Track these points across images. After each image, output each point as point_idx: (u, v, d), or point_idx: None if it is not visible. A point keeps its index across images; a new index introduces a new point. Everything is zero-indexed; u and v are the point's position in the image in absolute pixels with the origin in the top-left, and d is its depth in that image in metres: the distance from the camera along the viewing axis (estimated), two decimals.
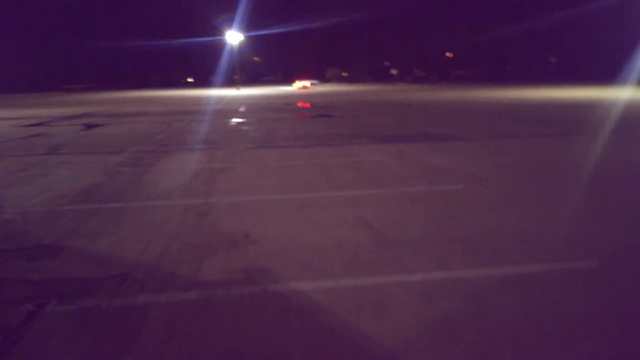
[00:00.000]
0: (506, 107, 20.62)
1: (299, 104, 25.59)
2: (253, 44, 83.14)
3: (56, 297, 3.32)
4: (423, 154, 8.94)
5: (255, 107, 23.65)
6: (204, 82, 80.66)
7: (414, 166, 7.76)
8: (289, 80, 65.23)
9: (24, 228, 4.93)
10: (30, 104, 31.41)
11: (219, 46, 69.64)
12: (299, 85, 59.75)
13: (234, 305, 3.17)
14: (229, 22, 60.34)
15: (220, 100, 31.87)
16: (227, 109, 22.94)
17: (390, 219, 4.97)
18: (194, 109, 23.26)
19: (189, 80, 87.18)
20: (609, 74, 47.15)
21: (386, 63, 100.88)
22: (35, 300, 3.26)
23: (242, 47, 65.64)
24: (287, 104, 25.93)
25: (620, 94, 26.73)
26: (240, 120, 16.82)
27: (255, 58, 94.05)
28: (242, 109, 22.63)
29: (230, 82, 69.05)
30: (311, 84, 62.51)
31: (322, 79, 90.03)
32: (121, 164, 8.50)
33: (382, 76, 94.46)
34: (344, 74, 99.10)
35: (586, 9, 62.91)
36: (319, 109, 21.70)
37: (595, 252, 3.97)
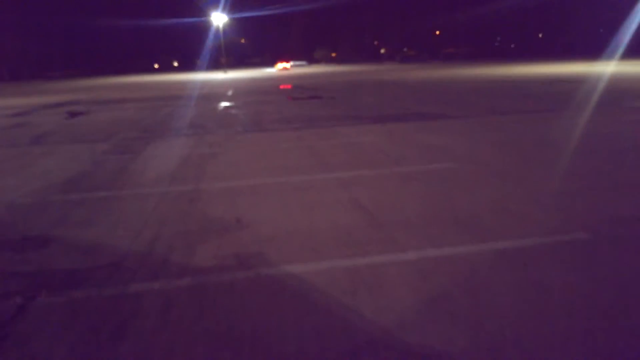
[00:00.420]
0: (495, 84, 20.59)
1: (287, 86, 25.32)
2: (239, 26, 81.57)
3: (46, 288, 3.26)
4: (414, 133, 8.90)
5: (243, 90, 23.35)
6: (189, 65, 79.24)
7: (406, 146, 7.73)
8: (276, 62, 64.59)
9: (11, 220, 4.84)
10: (11, 93, 30.76)
11: (204, 28, 68.27)
12: (280, 67, 59.41)
13: (228, 291, 3.14)
14: (214, 3, 59.03)
15: (207, 84, 31.42)
16: (215, 92, 22.63)
17: (383, 199, 4.95)
18: (180, 94, 22.91)
19: (175, 64, 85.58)
20: (595, 49, 47.18)
21: (375, 42, 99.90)
22: (25, 293, 3.20)
23: (228, 29, 64.47)
24: (275, 87, 25.64)
25: (606, 69, 26.81)
26: (228, 104, 16.61)
27: (241, 40, 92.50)
28: (229, 92, 22.34)
29: (216, 65, 68.00)
30: (291, 65, 62.25)
31: (311, 60, 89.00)
32: (108, 152, 8.36)
33: (371, 56, 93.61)
34: (333, 55, 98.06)
35: None
36: (308, 90, 21.48)
37: (586, 225, 4.00)
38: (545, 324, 2.65)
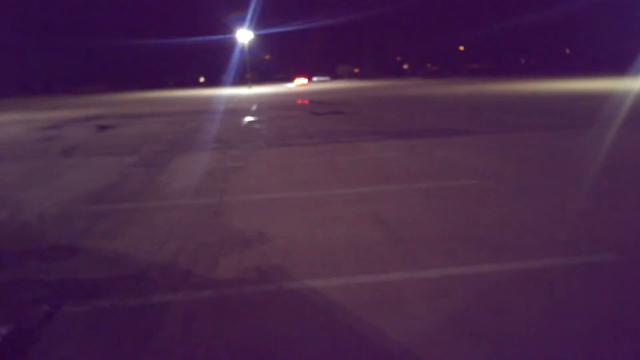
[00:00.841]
0: (520, 100, 20.34)
1: (310, 102, 25.57)
2: (264, 42, 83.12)
3: (72, 297, 3.34)
4: (436, 149, 8.84)
5: (266, 105, 23.69)
6: (215, 81, 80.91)
7: (427, 162, 7.68)
8: (295, 78, 65.79)
9: (40, 229, 4.99)
10: (43, 106, 31.93)
11: (230, 45, 69.79)
12: (299, 83, 60.65)
13: (249, 304, 3.16)
14: (240, 21, 60.52)
15: (231, 99, 32.00)
16: (239, 107, 23.02)
17: (403, 215, 4.92)
18: (206, 109, 23.39)
19: (201, 79, 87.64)
20: (622, 65, 46.07)
21: (398, 58, 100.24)
22: (52, 301, 3.28)
23: (253, 46, 65.81)
24: (297, 102, 25.93)
25: (634, 85, 26.16)
26: (251, 118, 16.86)
27: (266, 56, 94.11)
28: (253, 107, 22.69)
29: (241, 81, 69.25)
30: (312, 80, 63.73)
31: (334, 75, 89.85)
32: (135, 165, 8.56)
33: (394, 71, 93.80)
34: (355, 70, 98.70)
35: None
36: (330, 105, 21.64)
37: (614, 245, 3.88)
38: (571, 346, 2.57)
